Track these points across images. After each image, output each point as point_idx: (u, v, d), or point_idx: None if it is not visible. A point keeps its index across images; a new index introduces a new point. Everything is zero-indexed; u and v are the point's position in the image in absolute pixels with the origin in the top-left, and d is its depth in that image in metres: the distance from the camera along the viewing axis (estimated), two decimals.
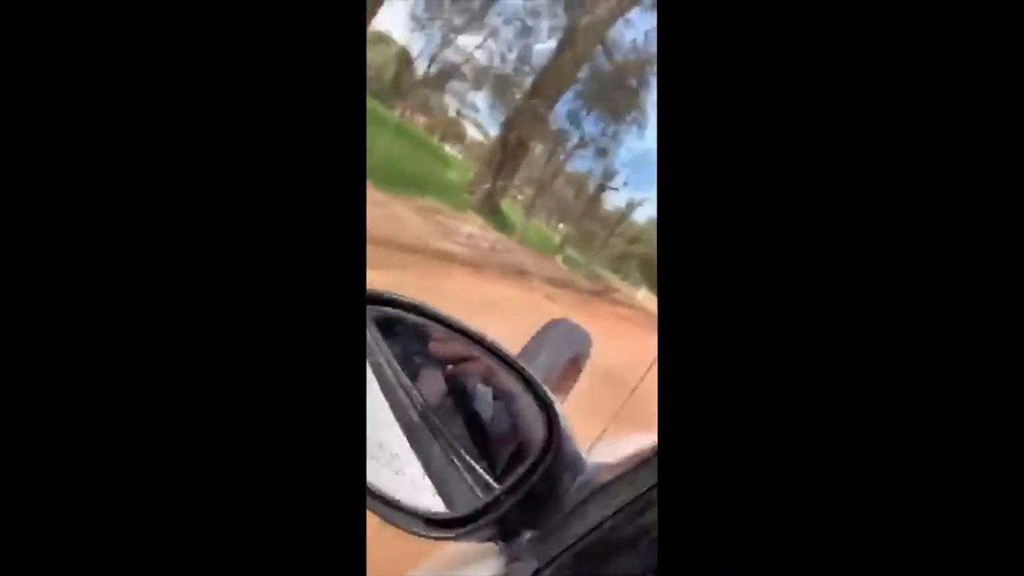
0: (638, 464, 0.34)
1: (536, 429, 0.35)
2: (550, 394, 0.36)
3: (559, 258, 15.45)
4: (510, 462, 0.36)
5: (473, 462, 0.38)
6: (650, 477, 0.30)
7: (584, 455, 0.40)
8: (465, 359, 0.40)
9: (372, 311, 0.41)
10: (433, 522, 0.36)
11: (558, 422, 0.34)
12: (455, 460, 0.38)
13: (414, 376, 0.41)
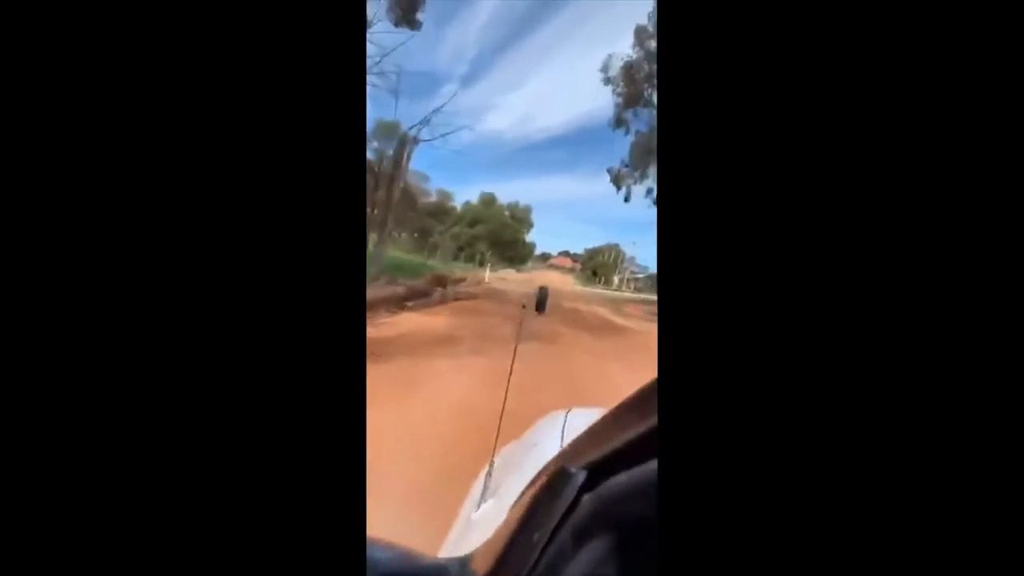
0: (511, 539, 0.33)
1: None
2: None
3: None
4: None
5: None
6: (528, 554, 0.30)
7: (446, 563, 0.40)
8: None
9: None
10: None
11: None
12: None
13: None
